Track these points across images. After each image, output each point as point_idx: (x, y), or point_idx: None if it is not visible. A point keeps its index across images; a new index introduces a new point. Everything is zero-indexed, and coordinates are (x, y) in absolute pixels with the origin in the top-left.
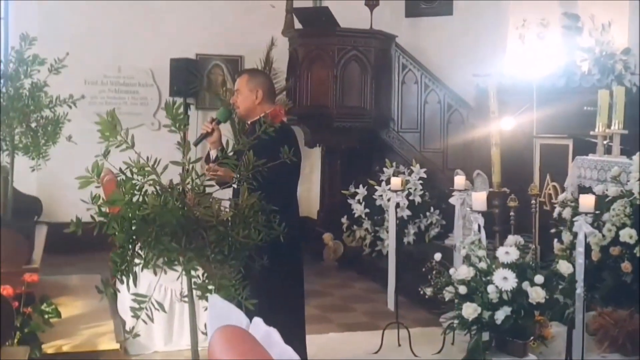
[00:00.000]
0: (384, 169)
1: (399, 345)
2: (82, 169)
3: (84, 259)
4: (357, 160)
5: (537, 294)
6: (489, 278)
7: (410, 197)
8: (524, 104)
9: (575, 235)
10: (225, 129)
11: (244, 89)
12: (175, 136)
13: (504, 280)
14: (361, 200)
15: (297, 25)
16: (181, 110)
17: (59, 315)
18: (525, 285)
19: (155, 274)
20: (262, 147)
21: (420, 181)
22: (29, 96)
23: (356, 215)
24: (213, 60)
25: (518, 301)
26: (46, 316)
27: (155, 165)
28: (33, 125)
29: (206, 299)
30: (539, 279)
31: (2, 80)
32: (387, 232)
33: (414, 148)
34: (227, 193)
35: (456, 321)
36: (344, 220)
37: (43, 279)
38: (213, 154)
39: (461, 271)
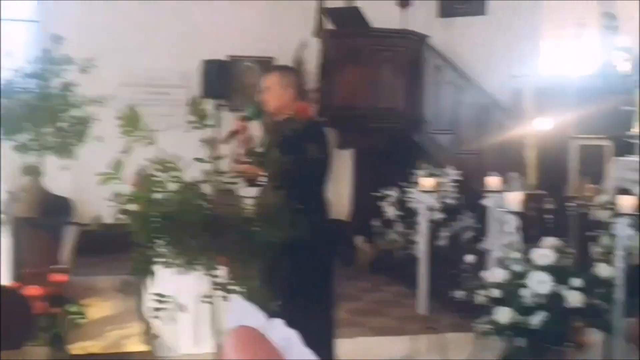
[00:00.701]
0: (417, 171)
1: (430, 350)
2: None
3: (115, 260)
4: (389, 162)
5: (574, 298)
6: (523, 281)
7: (443, 200)
8: (560, 104)
9: (614, 238)
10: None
11: (275, 86)
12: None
13: (540, 284)
14: (393, 203)
15: (329, 26)
16: (205, 106)
17: (85, 316)
18: (562, 289)
19: (184, 273)
20: (288, 144)
21: (454, 183)
22: (58, 96)
23: (388, 218)
24: (244, 61)
25: (554, 305)
26: (73, 317)
27: (178, 162)
28: (62, 125)
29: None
30: (576, 282)
31: (33, 81)
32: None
33: (448, 150)
34: (253, 191)
35: (489, 326)
36: (375, 223)
37: (73, 280)
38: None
39: (495, 274)
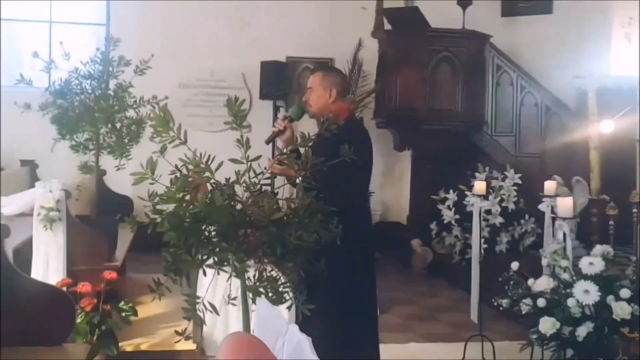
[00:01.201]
0: (476, 174)
1: (483, 359)
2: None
3: None
4: (448, 164)
5: (622, 310)
6: (569, 290)
7: (504, 204)
8: (628, 105)
9: None
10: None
11: (317, 87)
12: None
13: (586, 294)
14: (451, 206)
15: (387, 26)
16: (243, 107)
17: (135, 313)
18: (610, 299)
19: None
20: (325, 145)
21: (515, 187)
22: (114, 96)
23: (446, 222)
24: (303, 63)
25: (602, 316)
26: (124, 314)
27: (210, 162)
28: (117, 125)
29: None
30: (625, 293)
31: (90, 81)
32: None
33: (509, 152)
34: (287, 192)
35: (535, 336)
36: (433, 226)
37: (129, 278)
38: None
39: (540, 282)
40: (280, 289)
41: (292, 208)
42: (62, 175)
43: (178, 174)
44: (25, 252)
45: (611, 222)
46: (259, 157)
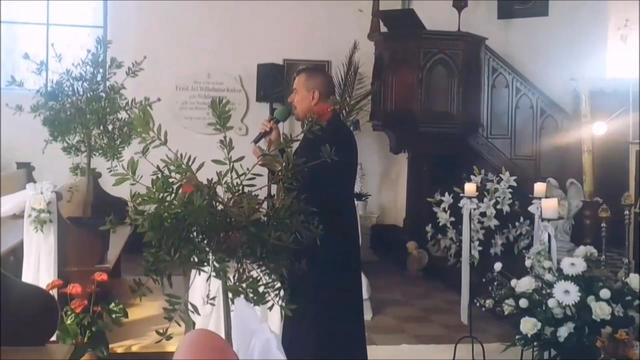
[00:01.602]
0: (472, 176)
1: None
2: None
3: None
4: (444, 166)
5: (601, 310)
6: (550, 291)
7: (499, 206)
8: (619, 108)
9: None
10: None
11: (301, 89)
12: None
13: (566, 294)
14: (446, 209)
15: (384, 29)
16: (228, 108)
17: (126, 315)
18: (590, 299)
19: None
20: (309, 146)
21: (510, 189)
22: (106, 98)
23: (441, 224)
24: (300, 65)
25: (582, 317)
26: (114, 316)
27: (191, 163)
28: (109, 127)
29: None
30: (605, 293)
31: (81, 83)
32: (473, 241)
33: (504, 155)
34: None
35: (518, 336)
36: (428, 228)
37: (124, 279)
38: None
39: (522, 283)
40: (262, 290)
41: (272, 209)
42: (58, 177)
43: (159, 175)
44: (20, 253)
45: (603, 224)
46: (241, 158)
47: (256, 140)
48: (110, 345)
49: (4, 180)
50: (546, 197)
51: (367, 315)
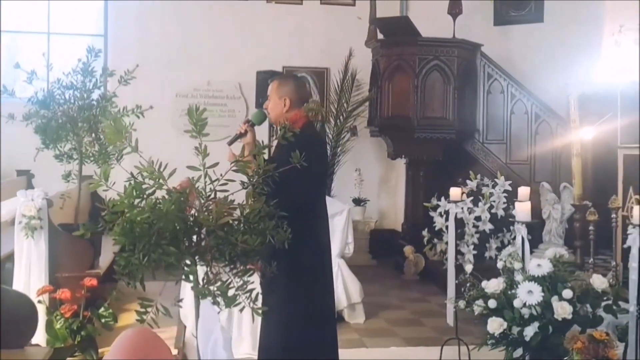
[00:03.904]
0: (468, 181)
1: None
2: (175, 178)
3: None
4: (440, 172)
5: (562, 310)
6: (513, 292)
7: (493, 210)
8: (609, 112)
9: None
10: None
11: (273, 96)
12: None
13: (529, 294)
14: (443, 213)
15: (381, 36)
16: (204, 115)
17: (115, 319)
18: (554, 299)
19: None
20: (282, 152)
21: (505, 194)
22: (97, 106)
23: (437, 228)
24: (299, 72)
25: (547, 317)
26: (103, 320)
27: (163, 169)
28: (100, 135)
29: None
30: (567, 293)
31: (72, 92)
32: (468, 245)
33: (500, 160)
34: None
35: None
36: (424, 233)
37: (120, 285)
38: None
39: (491, 284)
40: (233, 292)
41: (243, 213)
42: (58, 184)
43: (132, 181)
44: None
45: (591, 227)
46: (216, 164)
47: (230, 142)
48: (100, 350)
49: (4, 187)
50: (527, 201)
51: (360, 318)
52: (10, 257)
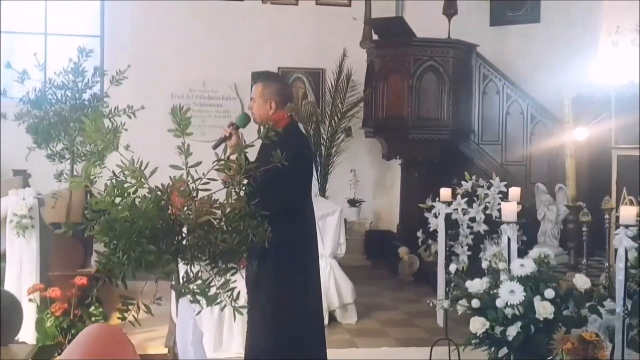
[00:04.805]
0: (462, 182)
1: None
2: (162, 177)
3: None
4: (435, 172)
5: (544, 309)
6: (495, 291)
7: (488, 211)
8: (602, 113)
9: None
10: None
11: (258, 98)
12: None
13: (511, 294)
14: (437, 214)
15: (376, 36)
16: (188, 115)
17: (105, 318)
18: (536, 299)
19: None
20: (265, 152)
21: (500, 195)
22: (88, 106)
23: (432, 229)
24: (295, 73)
25: (529, 316)
26: (94, 319)
27: (144, 168)
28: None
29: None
30: (549, 293)
31: (64, 92)
32: (462, 246)
33: (495, 160)
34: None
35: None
36: (419, 234)
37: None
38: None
39: (474, 284)
40: (213, 291)
41: (224, 212)
42: (55, 185)
43: (113, 180)
44: None
45: (584, 229)
46: (198, 163)
47: (215, 146)
48: None
49: (1, 187)
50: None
51: (352, 319)
52: (3, 255)
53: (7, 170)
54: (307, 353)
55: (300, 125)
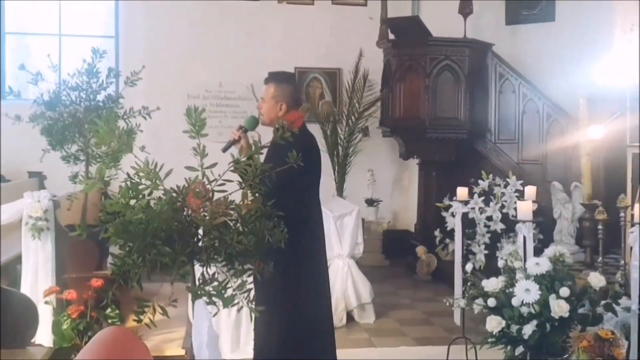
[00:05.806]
0: (479, 181)
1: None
2: (178, 178)
3: None
4: (453, 172)
5: (559, 308)
6: (511, 290)
7: (505, 210)
8: (619, 111)
9: None
10: None
11: (269, 99)
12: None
13: (527, 292)
14: (454, 213)
15: (392, 36)
16: (203, 116)
17: (122, 320)
18: (552, 298)
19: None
20: (278, 153)
21: (517, 194)
22: (103, 107)
23: (449, 229)
24: (312, 73)
25: (545, 315)
26: (110, 321)
27: (159, 170)
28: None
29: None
30: (564, 291)
31: (78, 93)
32: (479, 245)
33: (511, 159)
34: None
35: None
36: (437, 233)
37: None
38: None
39: (490, 282)
40: (229, 292)
41: (239, 214)
42: (71, 186)
43: (128, 182)
44: None
45: (600, 227)
46: (214, 164)
47: (225, 149)
48: None
49: (17, 189)
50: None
51: (370, 318)
52: (19, 258)
53: (23, 173)
54: (317, 353)
55: (316, 126)
